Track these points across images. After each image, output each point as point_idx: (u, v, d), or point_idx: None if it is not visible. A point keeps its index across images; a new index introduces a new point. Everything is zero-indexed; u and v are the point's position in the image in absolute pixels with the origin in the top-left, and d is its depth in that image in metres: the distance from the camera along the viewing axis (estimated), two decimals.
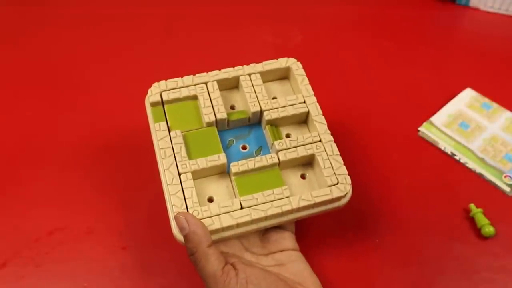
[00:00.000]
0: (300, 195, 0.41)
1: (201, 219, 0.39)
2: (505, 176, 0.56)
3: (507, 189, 0.55)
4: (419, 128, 0.60)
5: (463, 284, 0.49)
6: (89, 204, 0.52)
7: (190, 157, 0.43)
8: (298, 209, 0.41)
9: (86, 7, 0.74)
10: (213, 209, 0.40)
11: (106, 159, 0.56)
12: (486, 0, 0.76)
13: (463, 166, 0.57)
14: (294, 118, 0.46)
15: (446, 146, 0.58)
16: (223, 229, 0.40)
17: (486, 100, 0.63)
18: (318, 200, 0.41)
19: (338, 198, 0.42)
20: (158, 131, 0.44)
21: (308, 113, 0.46)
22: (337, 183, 0.42)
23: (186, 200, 0.40)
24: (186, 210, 0.40)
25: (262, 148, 0.45)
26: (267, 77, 0.49)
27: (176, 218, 0.40)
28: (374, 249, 0.50)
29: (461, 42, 0.75)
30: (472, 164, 0.57)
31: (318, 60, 0.69)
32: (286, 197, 0.41)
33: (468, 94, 0.63)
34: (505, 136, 0.59)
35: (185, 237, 0.39)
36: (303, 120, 0.47)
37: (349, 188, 0.42)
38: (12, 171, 0.55)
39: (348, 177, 0.42)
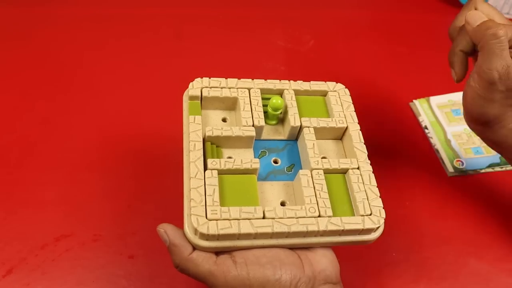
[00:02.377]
0: (329, 218, 0.38)
1: (218, 220, 0.37)
2: (457, 161, 0.58)
3: (450, 169, 0.58)
4: (413, 100, 0.64)
5: None
6: (96, 211, 0.52)
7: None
8: (324, 233, 0.38)
9: (97, 8, 0.74)
10: (233, 212, 0.37)
11: (114, 165, 0.55)
12: (502, 6, 0.75)
13: (427, 139, 0.61)
14: (332, 134, 0.45)
15: (424, 119, 0.62)
16: (239, 236, 0.37)
17: None
18: (347, 227, 0.38)
19: (369, 231, 0.39)
20: (192, 123, 0.43)
21: (346, 132, 0.45)
22: (370, 214, 0.39)
23: (207, 197, 0.38)
24: (204, 208, 0.37)
25: (294, 165, 0.44)
26: (309, 93, 0.48)
27: (157, 231, 0.38)
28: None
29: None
30: (435, 140, 0.60)
31: (330, 65, 0.68)
32: (314, 217, 0.38)
33: None
34: None
35: (168, 249, 0.38)
36: (339, 137, 0.46)
37: (382, 222, 0.39)
38: (19, 176, 0.54)
39: (383, 210, 0.40)
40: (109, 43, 0.69)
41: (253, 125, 0.43)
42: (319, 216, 0.38)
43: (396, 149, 0.60)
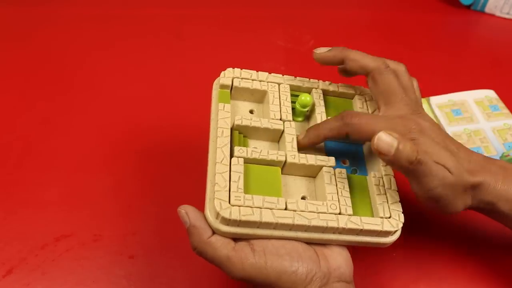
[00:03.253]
0: (349, 216, 0.39)
1: (241, 206, 0.37)
2: None
3: None
4: None
5: None
6: (96, 210, 0.52)
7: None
8: (343, 230, 0.38)
9: (97, 8, 0.74)
10: (257, 200, 0.38)
11: (114, 165, 0.55)
12: (502, 6, 0.75)
13: None
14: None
15: None
16: (260, 225, 0.37)
17: (500, 104, 0.62)
18: (366, 227, 0.38)
19: (386, 233, 0.39)
20: (221, 110, 0.43)
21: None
22: (390, 217, 0.40)
23: (231, 183, 0.38)
24: (228, 193, 0.38)
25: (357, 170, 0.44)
26: (336, 95, 0.49)
27: (178, 211, 0.38)
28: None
29: (476, 48, 0.74)
30: None
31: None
32: (335, 214, 0.39)
33: (485, 93, 0.63)
34: (491, 135, 0.60)
35: (187, 231, 0.38)
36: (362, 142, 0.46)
37: (400, 226, 0.40)
38: (19, 176, 0.54)
39: (402, 215, 0.40)
40: (109, 43, 0.69)
41: (280, 119, 0.43)
42: (340, 213, 0.39)
43: None
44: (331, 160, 0.41)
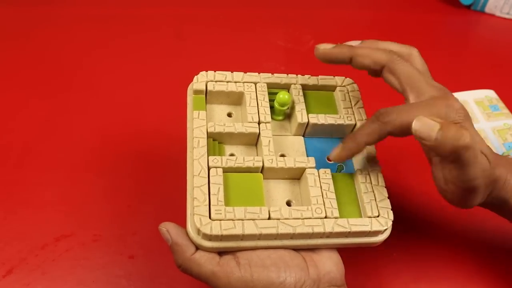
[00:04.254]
0: (335, 220, 0.38)
1: (222, 220, 0.36)
2: None
3: None
4: None
5: None
6: (96, 211, 0.52)
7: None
8: (330, 234, 0.37)
9: (97, 8, 0.74)
10: (238, 212, 0.37)
11: (114, 165, 0.55)
12: (502, 6, 0.75)
13: None
14: (340, 132, 0.44)
15: None
16: (243, 237, 0.36)
17: (500, 104, 0.62)
18: (354, 229, 0.37)
19: (376, 233, 0.38)
20: (196, 119, 0.42)
21: (355, 129, 0.43)
22: (378, 216, 0.39)
23: (211, 196, 0.37)
24: (208, 207, 0.37)
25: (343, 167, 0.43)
26: (317, 88, 0.46)
27: (159, 229, 0.38)
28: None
29: (476, 48, 0.74)
30: None
31: (330, 65, 0.68)
32: (321, 218, 0.38)
33: (485, 93, 0.63)
34: (491, 135, 0.60)
35: (170, 248, 0.37)
36: (347, 134, 0.44)
37: (390, 224, 0.39)
38: (19, 176, 0.54)
39: (391, 212, 0.39)
40: (109, 43, 0.69)
41: (259, 121, 0.42)
42: (326, 217, 0.38)
43: (396, 149, 0.60)
44: (311, 161, 0.40)
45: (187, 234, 0.37)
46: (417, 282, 0.49)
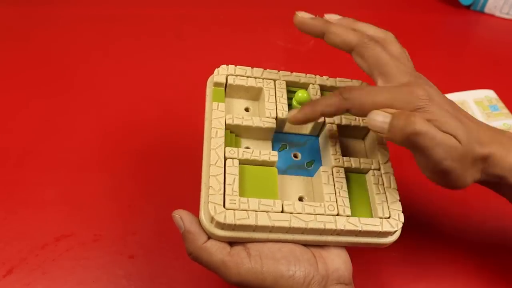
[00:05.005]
0: (347, 218, 0.38)
1: (236, 210, 0.36)
2: None
3: None
4: None
5: None
6: (96, 211, 0.52)
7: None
8: (341, 232, 0.38)
9: (97, 8, 0.74)
10: (252, 203, 0.37)
11: (114, 165, 0.55)
12: (501, 6, 0.75)
13: None
14: (355, 133, 0.44)
15: None
16: (256, 228, 0.37)
17: (500, 104, 0.62)
18: (365, 228, 0.38)
19: (386, 234, 0.39)
20: (215, 110, 0.42)
21: (370, 132, 0.44)
22: (389, 217, 0.39)
23: (226, 186, 0.37)
24: (223, 196, 0.37)
25: (314, 161, 0.43)
26: (334, 89, 0.47)
27: (172, 216, 0.38)
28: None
29: (475, 48, 0.74)
30: None
31: (330, 65, 0.68)
32: (333, 215, 0.38)
33: (485, 93, 0.63)
34: None
35: (182, 236, 0.37)
36: (361, 136, 0.45)
37: (400, 226, 0.39)
38: (19, 176, 0.54)
39: (402, 215, 0.39)
40: (109, 43, 0.69)
41: (276, 117, 0.42)
42: (338, 214, 0.38)
43: (396, 149, 0.60)
44: (273, 155, 0.40)
45: (199, 223, 0.37)
46: (417, 282, 0.49)
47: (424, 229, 0.52)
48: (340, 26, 0.41)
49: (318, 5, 0.77)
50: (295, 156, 0.43)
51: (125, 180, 0.54)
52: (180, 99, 0.63)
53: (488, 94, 0.63)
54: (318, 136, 0.44)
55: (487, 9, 0.75)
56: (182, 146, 0.58)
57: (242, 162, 0.40)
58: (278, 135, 0.44)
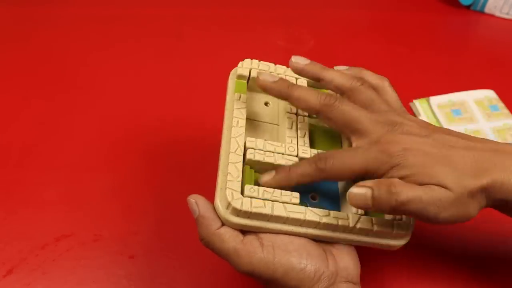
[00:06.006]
0: (360, 216, 0.38)
1: (253, 198, 0.37)
2: None
3: None
4: (413, 100, 0.64)
5: None
6: (96, 210, 0.52)
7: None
8: (353, 230, 0.38)
9: (97, 8, 0.74)
10: (270, 193, 0.37)
11: (114, 165, 0.55)
12: (501, 6, 0.75)
13: None
14: None
15: (424, 119, 0.62)
16: (271, 218, 0.37)
17: (500, 104, 0.62)
18: (377, 228, 0.38)
19: (396, 236, 0.39)
20: (237, 100, 0.42)
21: None
22: (401, 219, 0.39)
23: (245, 175, 0.38)
24: (240, 183, 0.37)
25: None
26: None
27: (188, 200, 0.38)
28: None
29: (475, 48, 0.74)
30: None
31: (330, 65, 0.68)
32: (346, 213, 0.38)
33: (485, 93, 0.63)
34: (491, 135, 0.60)
35: (196, 221, 0.38)
36: None
37: (411, 229, 0.39)
38: (19, 176, 0.54)
39: (414, 219, 0.39)
40: (109, 43, 0.69)
41: (297, 113, 0.43)
42: (351, 212, 0.39)
43: None
44: (295, 197, 0.38)
45: (214, 209, 0.37)
46: (417, 282, 0.49)
47: (424, 229, 0.52)
48: (303, 91, 0.40)
49: (318, 5, 0.77)
50: (313, 198, 0.42)
51: (126, 180, 0.54)
52: (180, 99, 0.63)
53: (488, 94, 0.63)
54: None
55: (487, 9, 0.75)
56: (183, 146, 0.58)
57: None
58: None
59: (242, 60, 0.46)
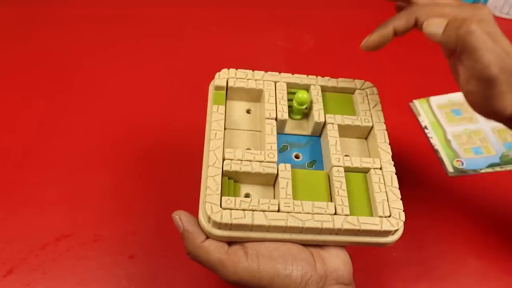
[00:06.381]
0: (345, 217, 0.38)
1: (232, 209, 0.37)
2: (457, 161, 0.59)
3: (450, 169, 0.58)
4: (413, 100, 0.64)
5: None
6: (96, 210, 0.52)
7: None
8: (339, 231, 0.37)
9: (97, 8, 0.74)
10: (248, 203, 0.37)
11: (114, 165, 0.55)
12: (502, 6, 0.75)
13: (427, 139, 0.61)
14: (356, 133, 0.44)
15: (424, 119, 0.63)
16: (252, 228, 0.37)
17: None
18: (364, 227, 0.37)
19: (386, 233, 0.38)
20: (215, 113, 0.42)
21: (371, 131, 0.44)
22: (389, 216, 0.39)
23: (223, 186, 0.38)
24: (220, 196, 0.37)
25: (316, 162, 0.43)
26: (336, 90, 0.47)
27: (172, 217, 0.38)
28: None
29: None
30: (435, 140, 0.61)
31: (330, 65, 0.68)
32: (330, 214, 0.38)
33: None
34: (490, 135, 0.61)
35: (181, 235, 0.38)
36: (364, 136, 0.45)
37: (401, 225, 0.39)
38: (19, 176, 0.54)
39: (403, 213, 0.39)
40: (109, 43, 0.69)
41: (276, 118, 0.42)
42: (335, 213, 0.38)
43: (396, 149, 0.60)
44: (273, 204, 0.38)
45: (198, 223, 0.38)
46: (417, 282, 0.49)
47: (424, 229, 0.52)
48: (396, 19, 0.42)
49: (318, 5, 0.77)
50: (297, 157, 0.43)
51: (126, 180, 0.54)
52: (180, 99, 0.63)
53: None
54: (319, 136, 0.44)
55: None
56: (182, 146, 0.58)
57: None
58: (279, 136, 0.44)
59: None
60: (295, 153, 0.43)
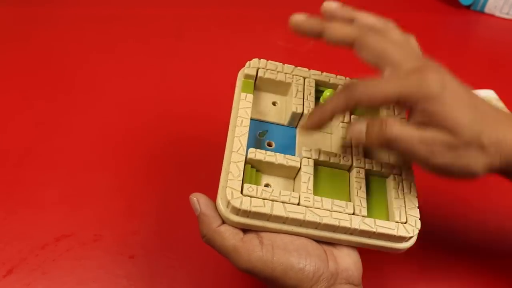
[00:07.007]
0: (362, 218, 0.38)
1: (253, 197, 0.36)
2: None
3: None
4: None
5: None
6: (96, 210, 0.52)
7: None
8: (355, 231, 0.37)
9: (97, 8, 0.74)
10: (270, 192, 0.37)
11: (114, 165, 0.55)
12: (501, 6, 0.75)
13: None
14: None
15: None
16: (270, 218, 0.37)
17: (500, 104, 0.62)
18: (379, 230, 0.37)
19: (400, 239, 0.38)
20: (242, 100, 0.42)
21: None
22: (405, 223, 0.39)
23: (245, 173, 0.38)
24: (241, 182, 0.37)
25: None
26: None
27: (190, 199, 0.38)
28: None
29: (475, 48, 0.74)
30: None
31: (330, 65, 0.68)
32: (348, 214, 0.38)
33: (485, 93, 0.63)
34: None
35: (197, 218, 0.38)
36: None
37: (416, 232, 0.39)
38: (19, 176, 0.54)
39: (419, 221, 0.39)
40: (109, 43, 0.69)
41: (302, 113, 0.42)
42: (353, 213, 0.38)
43: None
44: (294, 197, 0.38)
45: (215, 207, 0.37)
46: (417, 282, 0.49)
47: (424, 229, 0.52)
48: (336, 23, 0.40)
49: (318, 5, 0.77)
50: (269, 145, 0.43)
51: (126, 180, 0.54)
52: (180, 99, 0.63)
53: (488, 94, 0.63)
54: (295, 127, 0.44)
55: (487, 9, 0.75)
56: (183, 146, 0.58)
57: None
58: (263, 124, 0.44)
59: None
60: (268, 141, 0.43)
